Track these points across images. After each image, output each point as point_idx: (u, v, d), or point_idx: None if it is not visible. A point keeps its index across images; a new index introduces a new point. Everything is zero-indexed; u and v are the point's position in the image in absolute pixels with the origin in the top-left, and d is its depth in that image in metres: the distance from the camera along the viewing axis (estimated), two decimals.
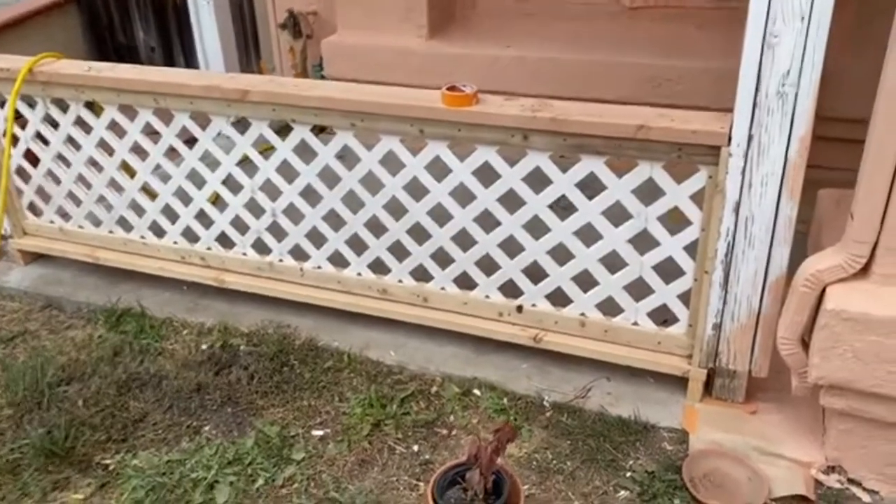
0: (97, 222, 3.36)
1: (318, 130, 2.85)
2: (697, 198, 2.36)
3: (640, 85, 3.83)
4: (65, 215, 3.42)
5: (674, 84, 3.80)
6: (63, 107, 3.11)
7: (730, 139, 2.17)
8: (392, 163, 2.71)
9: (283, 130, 2.83)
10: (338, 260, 3.00)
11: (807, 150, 2.11)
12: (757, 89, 2.08)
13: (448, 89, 2.54)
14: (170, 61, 5.74)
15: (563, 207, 2.57)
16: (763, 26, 2.01)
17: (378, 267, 2.94)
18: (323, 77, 4.77)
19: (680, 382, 2.59)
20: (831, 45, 2.00)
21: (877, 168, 1.93)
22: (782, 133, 2.10)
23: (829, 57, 2.02)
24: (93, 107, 3.08)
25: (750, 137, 2.15)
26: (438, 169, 2.66)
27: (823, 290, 2.09)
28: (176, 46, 5.70)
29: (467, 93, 2.51)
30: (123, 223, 3.31)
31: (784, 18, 1.98)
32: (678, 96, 3.71)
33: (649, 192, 2.42)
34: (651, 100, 3.74)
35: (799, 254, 2.26)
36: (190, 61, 5.47)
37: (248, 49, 5.43)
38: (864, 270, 2.04)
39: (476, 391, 2.69)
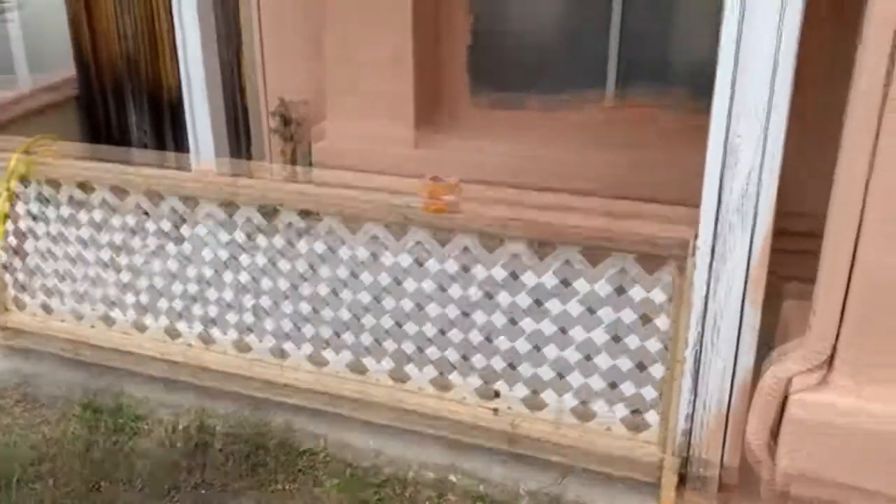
0: (80, 316, 3.37)
1: (304, 215, 2.94)
2: (668, 292, 2.46)
3: (616, 180, 4.00)
4: (49, 292, 3.44)
5: (648, 179, 3.97)
6: (56, 188, 3.19)
7: (696, 241, 2.29)
8: (375, 248, 2.79)
9: (270, 218, 2.92)
10: (318, 352, 3.02)
11: (767, 256, 2.22)
12: (720, 199, 2.21)
13: (431, 179, 2.66)
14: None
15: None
16: (724, 137, 2.15)
17: (358, 360, 2.97)
18: (311, 165, 4.93)
19: (654, 476, 2.61)
20: (788, 161, 2.15)
21: (830, 285, 2.05)
22: (744, 238, 2.22)
23: (789, 172, 2.16)
24: (84, 188, 3.16)
25: (714, 241, 2.26)
26: (419, 260, 2.74)
27: (788, 393, 2.17)
28: (169, 140, 5.88)
29: (449, 182, 2.63)
30: (106, 317, 3.33)
31: (743, 132, 2.13)
32: (652, 191, 3.87)
33: (621, 291, 2.51)
34: (626, 194, 3.91)
35: (767, 354, 2.35)
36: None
37: (238, 139, 5.59)
38: (824, 377, 2.12)
39: (452, 479, 2.69)
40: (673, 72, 4.46)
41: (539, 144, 4.38)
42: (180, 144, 5.80)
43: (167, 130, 6.01)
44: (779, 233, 2.36)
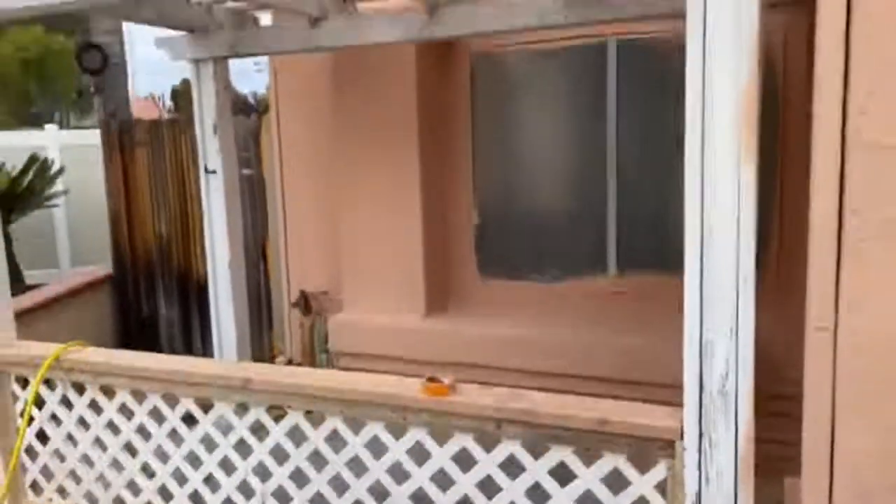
0: (94, 500, 3.45)
1: (309, 413, 3.06)
2: (661, 488, 2.48)
3: (617, 361, 4.10)
4: (63, 491, 3.52)
5: (648, 361, 4.06)
6: (80, 390, 3.37)
7: (682, 438, 2.35)
8: (377, 447, 2.88)
9: (278, 417, 3.05)
10: None
11: (752, 447, 2.27)
12: (701, 397, 2.29)
13: (428, 379, 2.79)
14: (187, 334, 6.17)
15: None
16: (699, 337, 2.28)
17: None
18: (328, 351, 5.11)
19: None
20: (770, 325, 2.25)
21: (814, 474, 2.08)
22: (728, 433, 2.27)
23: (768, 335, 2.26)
24: (106, 390, 3.34)
25: (700, 433, 2.32)
26: (419, 453, 2.81)
27: None
28: (195, 321, 6.17)
29: (445, 384, 2.76)
30: (119, 502, 3.40)
31: (715, 329, 2.26)
32: (652, 372, 3.94)
33: (616, 482, 2.54)
34: (627, 375, 4.01)
35: None
36: (206, 335, 5.88)
37: (261, 323, 5.87)
38: None
39: None
40: (671, 256, 4.66)
41: (544, 326, 4.54)
42: (206, 325, 6.10)
43: (194, 313, 6.32)
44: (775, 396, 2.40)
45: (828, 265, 2.03)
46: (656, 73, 4.40)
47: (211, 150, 4.27)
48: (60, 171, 7.64)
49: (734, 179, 2.16)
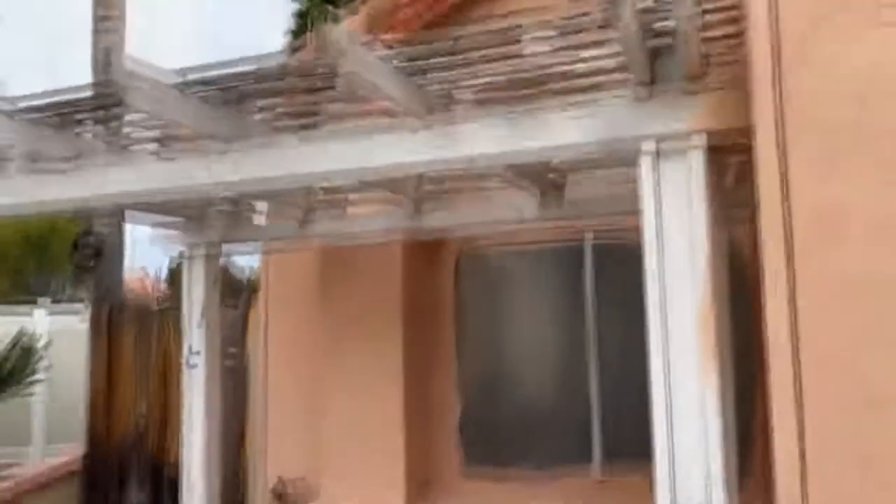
0: None
1: None
2: None
3: None
4: None
5: None
6: None
7: None
8: None
9: None
10: None
11: None
12: None
13: None
14: None
15: None
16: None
17: None
18: None
19: None
20: None
21: None
22: None
23: None
24: None
25: None
26: None
27: None
28: None
29: None
30: None
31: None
32: None
33: None
34: None
35: None
36: None
37: None
38: None
39: None
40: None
41: None
42: None
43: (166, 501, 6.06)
44: None
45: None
46: (630, 271, 4.57)
47: (196, 341, 4.32)
48: (41, 358, 7.55)
49: (699, 393, 2.22)
